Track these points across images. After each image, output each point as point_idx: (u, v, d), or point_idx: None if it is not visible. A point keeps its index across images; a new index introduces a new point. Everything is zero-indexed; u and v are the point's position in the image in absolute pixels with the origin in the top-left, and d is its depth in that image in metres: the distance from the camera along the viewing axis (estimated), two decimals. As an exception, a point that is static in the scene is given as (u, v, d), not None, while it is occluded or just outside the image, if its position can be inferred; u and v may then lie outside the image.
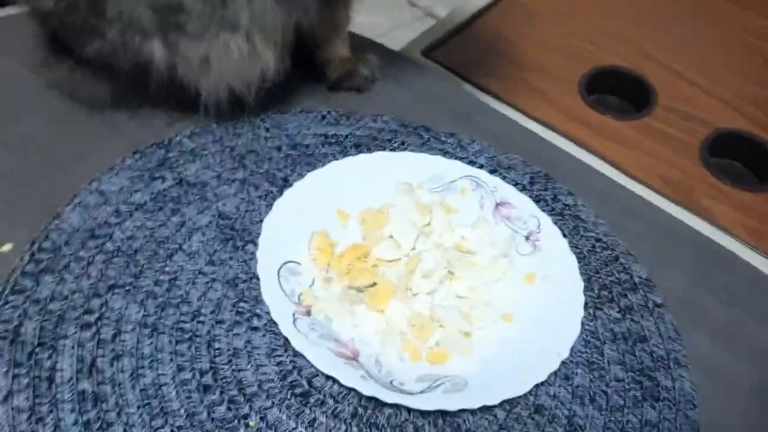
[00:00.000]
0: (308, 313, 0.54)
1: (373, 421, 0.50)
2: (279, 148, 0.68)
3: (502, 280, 0.59)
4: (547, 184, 0.69)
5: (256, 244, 0.57)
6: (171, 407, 0.49)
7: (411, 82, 0.79)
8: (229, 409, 0.49)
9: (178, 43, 0.61)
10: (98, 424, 0.47)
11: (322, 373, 0.50)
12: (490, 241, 0.61)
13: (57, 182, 0.62)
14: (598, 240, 0.64)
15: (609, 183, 0.73)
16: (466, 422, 0.51)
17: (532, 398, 0.52)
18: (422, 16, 1.60)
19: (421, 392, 0.50)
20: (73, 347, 0.51)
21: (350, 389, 0.50)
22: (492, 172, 0.68)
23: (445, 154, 0.69)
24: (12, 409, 0.47)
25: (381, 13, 1.61)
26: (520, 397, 0.51)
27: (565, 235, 0.62)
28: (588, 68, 1.01)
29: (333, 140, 0.70)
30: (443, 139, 0.72)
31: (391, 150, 0.69)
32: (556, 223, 0.62)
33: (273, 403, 0.50)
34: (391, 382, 0.50)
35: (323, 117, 0.72)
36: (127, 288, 0.55)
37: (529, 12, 1.16)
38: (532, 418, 0.51)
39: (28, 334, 0.51)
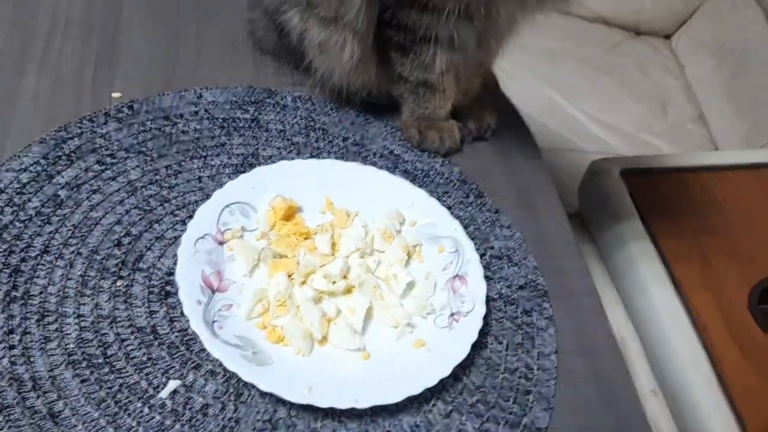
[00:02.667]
0: (220, 243, 0.61)
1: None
2: (344, 139, 0.75)
3: (394, 329, 0.59)
4: (532, 295, 0.65)
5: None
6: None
7: (514, 160, 0.80)
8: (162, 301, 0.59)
9: (309, 20, 0.72)
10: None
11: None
12: (417, 296, 0.61)
13: (192, 74, 0.79)
14: (513, 372, 0.60)
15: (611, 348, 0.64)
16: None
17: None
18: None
19: (224, 342, 0.54)
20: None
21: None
22: (496, 257, 0.67)
23: (464, 220, 0.69)
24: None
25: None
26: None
27: (486, 344, 0.60)
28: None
29: (393, 158, 0.75)
30: (484, 210, 0.71)
31: (428, 192, 0.70)
32: (492, 323, 0.60)
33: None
34: (213, 322, 0.56)
35: (406, 141, 0.77)
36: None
37: (762, 190, 1.04)
38: None
39: (69, 146, 0.68)
